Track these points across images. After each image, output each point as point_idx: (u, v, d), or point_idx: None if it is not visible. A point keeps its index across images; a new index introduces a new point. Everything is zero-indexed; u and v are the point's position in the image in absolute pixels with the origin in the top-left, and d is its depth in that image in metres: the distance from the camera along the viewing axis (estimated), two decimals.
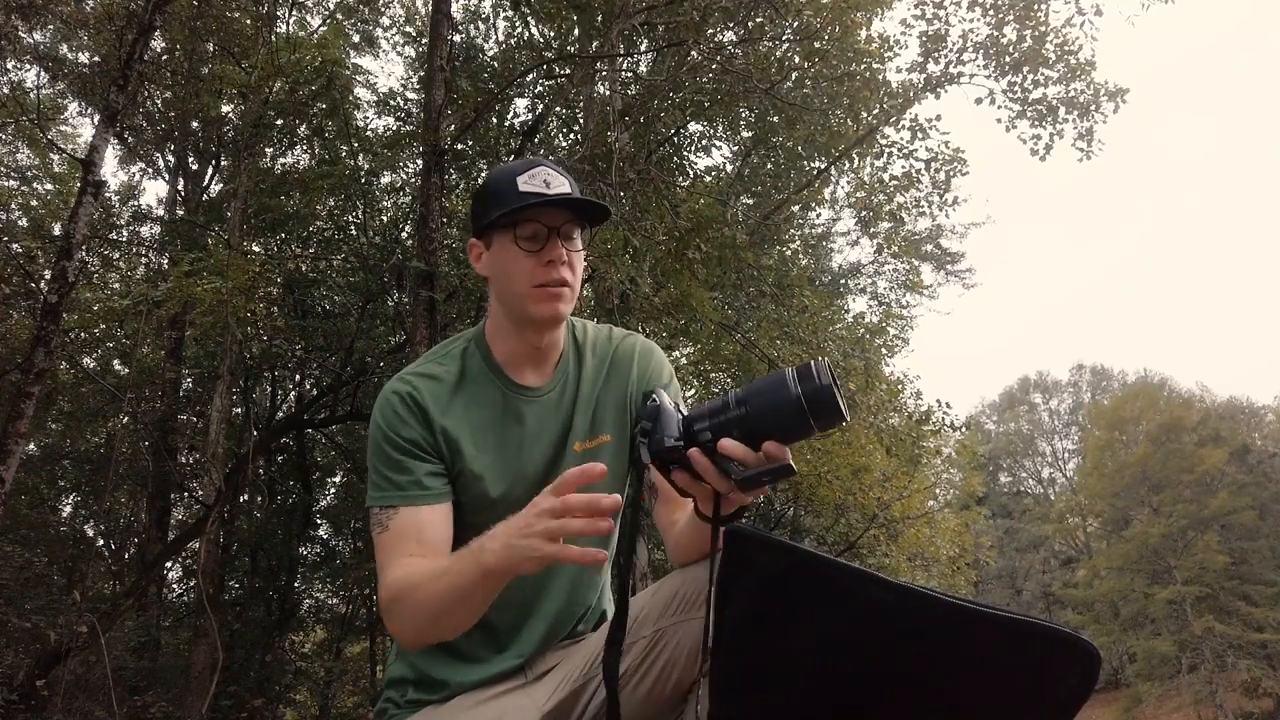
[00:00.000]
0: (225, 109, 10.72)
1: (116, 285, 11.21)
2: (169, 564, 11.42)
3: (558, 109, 8.77)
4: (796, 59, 8.17)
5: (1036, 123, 9.90)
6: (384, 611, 1.23)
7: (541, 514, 1.00)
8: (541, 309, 1.30)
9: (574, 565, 1.34)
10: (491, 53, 10.28)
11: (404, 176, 10.73)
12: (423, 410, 1.31)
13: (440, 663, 1.34)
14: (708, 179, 9.99)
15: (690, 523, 1.21)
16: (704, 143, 10.48)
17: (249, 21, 9.78)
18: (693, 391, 12.26)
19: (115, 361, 11.33)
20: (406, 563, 1.22)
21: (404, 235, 10.30)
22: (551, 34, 10.19)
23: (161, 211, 12.60)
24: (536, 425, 1.37)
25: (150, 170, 12.49)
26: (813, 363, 1.00)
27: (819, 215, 14.41)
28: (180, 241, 10.36)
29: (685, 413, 1.07)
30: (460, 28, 10.11)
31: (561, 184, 1.30)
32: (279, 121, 10.29)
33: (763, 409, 1.00)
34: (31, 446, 10.38)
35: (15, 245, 8.80)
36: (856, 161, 10.73)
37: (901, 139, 10.09)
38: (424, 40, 10.92)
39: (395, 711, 1.37)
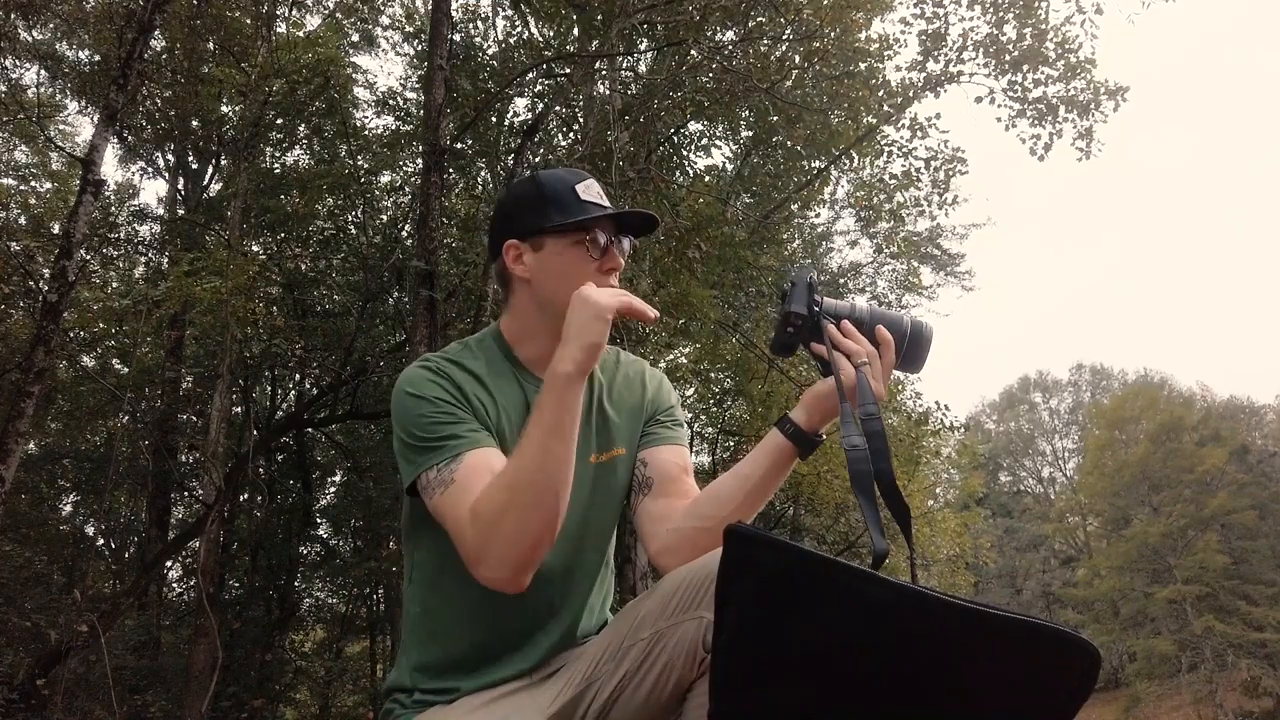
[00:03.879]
0: (225, 109, 10.72)
1: (116, 285, 11.20)
2: (169, 563, 11.42)
3: (558, 108, 8.77)
4: (796, 59, 8.17)
5: (1036, 122, 9.89)
6: (485, 539, 1.15)
7: (598, 291, 1.23)
8: None
9: (585, 580, 1.40)
10: (491, 52, 10.28)
11: (404, 176, 10.73)
12: (457, 385, 1.31)
13: (447, 669, 1.34)
14: (707, 179, 9.99)
15: (762, 448, 1.31)
16: (704, 142, 10.49)
17: (248, 21, 9.78)
18: (692, 390, 12.27)
19: (115, 361, 11.32)
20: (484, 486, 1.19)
21: (404, 235, 10.31)
22: (551, 33, 10.20)
23: (161, 211, 12.60)
24: None
25: (150, 169, 12.47)
26: (924, 322, 1.34)
27: (819, 215, 14.41)
28: (180, 241, 10.36)
29: (819, 298, 1.33)
30: (459, 27, 10.10)
31: (608, 199, 1.40)
32: (279, 121, 10.29)
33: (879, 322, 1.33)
34: (31, 446, 10.39)
35: (14, 244, 8.79)
36: (856, 161, 10.73)
37: (901, 138, 10.10)
38: (423, 39, 10.92)
39: (401, 712, 1.37)
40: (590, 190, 1.36)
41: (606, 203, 1.36)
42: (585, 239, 1.34)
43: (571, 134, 9.63)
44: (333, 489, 13.37)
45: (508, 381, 1.38)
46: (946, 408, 10.63)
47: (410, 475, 1.26)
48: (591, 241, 1.34)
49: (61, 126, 12.76)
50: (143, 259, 11.56)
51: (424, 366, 1.33)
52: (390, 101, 11.15)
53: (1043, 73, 9.61)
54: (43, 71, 10.19)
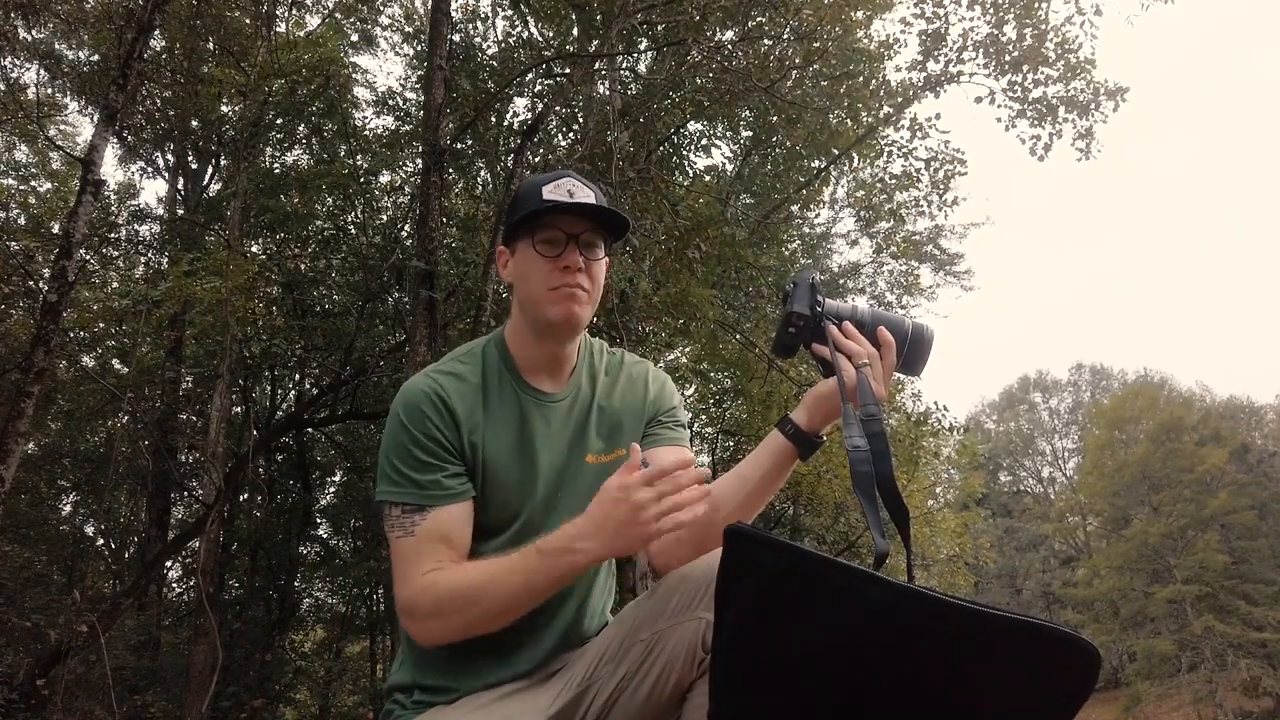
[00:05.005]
0: (225, 109, 10.73)
1: (116, 285, 11.20)
2: (169, 563, 11.41)
3: (557, 108, 8.76)
4: (796, 59, 8.17)
5: (1036, 122, 9.89)
6: (426, 615, 1.23)
7: (643, 504, 1.11)
8: (556, 310, 1.32)
9: (586, 582, 1.40)
10: (491, 52, 10.28)
11: (403, 176, 10.73)
12: (451, 412, 1.32)
13: (448, 670, 1.34)
14: (707, 178, 9.99)
15: (763, 449, 1.31)
16: (704, 142, 10.48)
17: (248, 21, 9.78)
18: (692, 390, 12.27)
19: (115, 361, 11.32)
20: (451, 571, 1.24)
21: (404, 235, 10.30)
22: (551, 33, 10.19)
23: (161, 211, 12.59)
24: (546, 431, 1.38)
25: (149, 169, 12.47)
26: (925, 325, 1.34)
27: (819, 215, 14.42)
28: (180, 241, 10.35)
29: (821, 299, 1.33)
30: (459, 27, 10.10)
31: (586, 195, 1.32)
32: (279, 121, 10.29)
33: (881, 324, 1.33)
34: (31, 445, 10.38)
35: (14, 244, 8.79)
36: (856, 161, 10.73)
37: (901, 138, 10.10)
38: (423, 39, 10.91)
39: (402, 713, 1.37)
40: (559, 189, 1.31)
41: (576, 198, 1.31)
42: (534, 239, 1.32)
43: (571, 134, 9.62)
44: (333, 489, 13.36)
45: (506, 390, 1.38)
46: (945, 409, 10.66)
47: (380, 494, 1.31)
48: (543, 241, 1.32)
49: (61, 126, 12.76)
50: (143, 259, 11.55)
51: (423, 389, 1.33)
52: (390, 101, 11.14)
53: (1042, 73, 9.61)
54: (43, 71, 10.19)
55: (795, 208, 11.28)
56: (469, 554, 1.35)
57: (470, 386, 1.35)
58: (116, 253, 11.12)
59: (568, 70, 8.47)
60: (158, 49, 9.59)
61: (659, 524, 1.11)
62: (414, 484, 1.28)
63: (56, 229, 9.81)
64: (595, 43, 8.50)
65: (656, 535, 1.12)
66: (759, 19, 7.79)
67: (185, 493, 11.51)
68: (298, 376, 11.92)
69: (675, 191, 7.80)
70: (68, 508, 12.35)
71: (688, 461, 1.15)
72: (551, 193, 1.31)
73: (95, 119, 8.12)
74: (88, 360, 10.77)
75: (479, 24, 10.69)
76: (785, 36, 7.94)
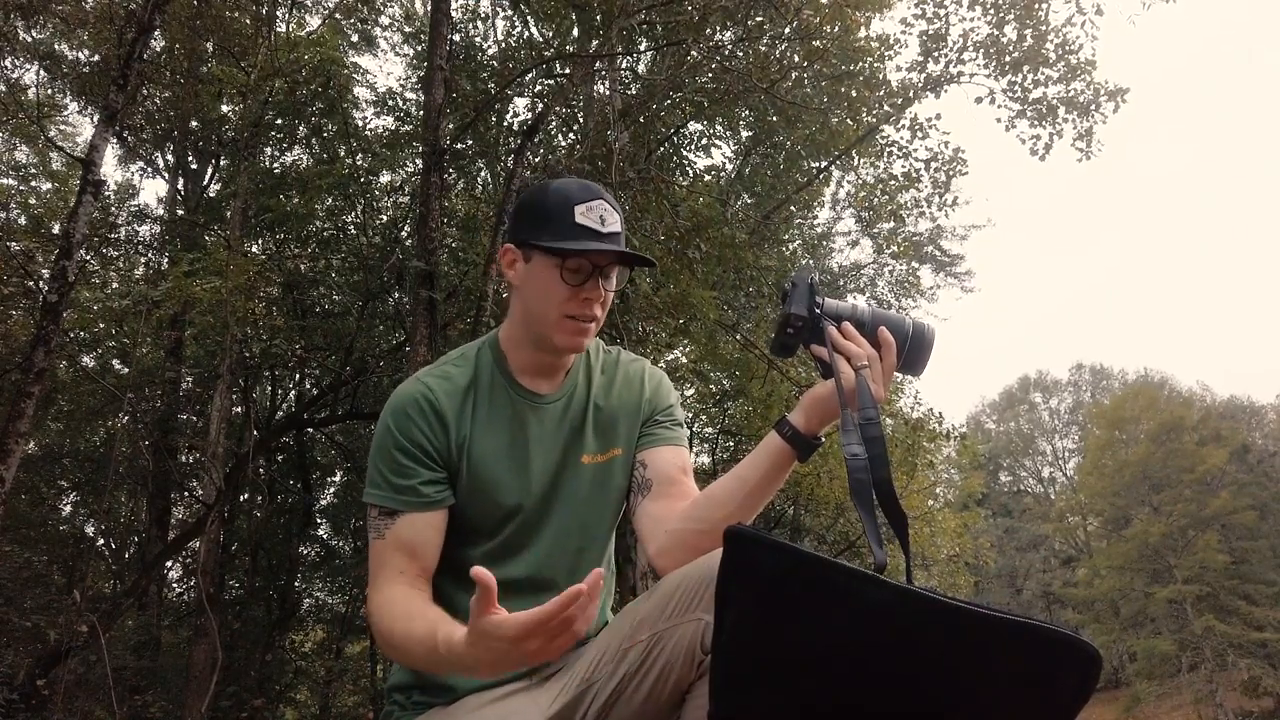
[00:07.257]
0: (225, 109, 10.71)
1: (116, 285, 11.19)
2: (169, 563, 11.41)
3: (558, 108, 8.75)
4: (796, 58, 8.16)
5: (1036, 122, 9.91)
6: (377, 635, 1.27)
7: (534, 650, 0.98)
8: (566, 340, 1.33)
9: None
10: (491, 52, 10.28)
11: (404, 176, 10.73)
12: (439, 415, 1.32)
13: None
14: (708, 178, 9.99)
15: (761, 451, 1.28)
16: (704, 142, 10.48)
17: (248, 21, 9.77)
18: (692, 390, 12.27)
19: (115, 361, 11.31)
20: (393, 590, 1.26)
21: (404, 235, 10.30)
22: (551, 33, 10.19)
23: (161, 211, 12.58)
24: (540, 432, 1.38)
25: (149, 169, 12.46)
26: (926, 324, 1.32)
27: (819, 215, 14.41)
28: (180, 241, 10.35)
29: (820, 299, 1.31)
30: (459, 27, 10.10)
31: (615, 222, 1.32)
32: (279, 121, 10.28)
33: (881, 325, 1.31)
34: (31, 446, 10.38)
35: (14, 244, 8.78)
36: (857, 161, 10.74)
37: (901, 138, 10.11)
38: (423, 39, 10.91)
39: (400, 714, 1.37)
40: (591, 214, 1.30)
41: (607, 228, 1.30)
42: (562, 265, 1.31)
43: (571, 134, 9.62)
44: (333, 489, 13.36)
45: (498, 393, 1.38)
46: (940, 417, 10.70)
47: (364, 495, 1.35)
48: (570, 270, 1.31)
49: (61, 126, 12.76)
50: (143, 259, 11.53)
51: (412, 394, 1.33)
52: (390, 101, 11.14)
53: (1043, 74, 9.62)
54: (43, 71, 10.18)
55: (795, 208, 11.27)
56: (464, 556, 1.35)
57: (461, 389, 1.36)
58: (116, 253, 11.10)
59: (568, 70, 8.47)
60: (158, 49, 9.57)
61: (532, 661, 1.01)
62: (391, 488, 1.30)
63: (56, 229, 9.79)
64: (595, 43, 8.50)
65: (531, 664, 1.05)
66: (759, 19, 7.78)
67: (185, 493, 11.51)
68: (298, 376, 11.91)
69: (675, 191, 7.79)
70: (68, 508, 12.34)
71: (575, 594, 0.95)
72: (584, 216, 1.29)
73: (95, 119, 8.13)
74: (88, 360, 10.75)
75: (479, 24, 10.70)
76: (785, 36, 7.94)
